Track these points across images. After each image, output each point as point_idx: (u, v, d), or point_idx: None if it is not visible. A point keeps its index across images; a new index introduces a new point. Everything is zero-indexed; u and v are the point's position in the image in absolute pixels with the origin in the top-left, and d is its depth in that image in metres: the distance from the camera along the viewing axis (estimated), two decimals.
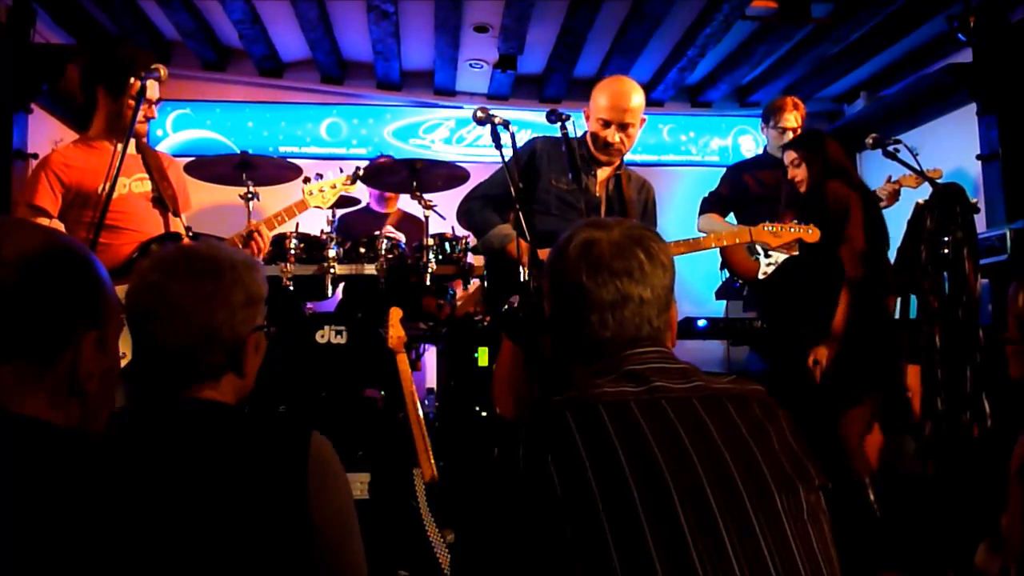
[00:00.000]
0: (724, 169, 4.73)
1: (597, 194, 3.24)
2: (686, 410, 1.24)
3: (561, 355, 1.44)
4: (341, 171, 3.62)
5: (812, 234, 3.34)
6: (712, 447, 1.20)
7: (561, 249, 1.44)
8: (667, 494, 1.13)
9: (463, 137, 6.72)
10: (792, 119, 4.33)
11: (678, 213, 4.93)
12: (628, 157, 3.37)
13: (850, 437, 3.48)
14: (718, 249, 4.50)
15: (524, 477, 1.19)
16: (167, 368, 1.36)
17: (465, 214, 3.45)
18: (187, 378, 1.36)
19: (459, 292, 4.55)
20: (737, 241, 3.47)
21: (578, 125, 3.27)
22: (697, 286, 5.76)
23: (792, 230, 3.34)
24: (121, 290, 1.30)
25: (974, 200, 3.41)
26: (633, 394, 1.24)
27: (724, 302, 5.44)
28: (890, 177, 4.52)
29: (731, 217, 4.50)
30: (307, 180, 3.56)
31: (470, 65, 6.35)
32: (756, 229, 3.35)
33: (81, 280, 1.11)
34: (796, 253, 3.41)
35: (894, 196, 4.48)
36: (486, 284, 3.49)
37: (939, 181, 3.70)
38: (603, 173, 3.27)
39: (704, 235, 3.42)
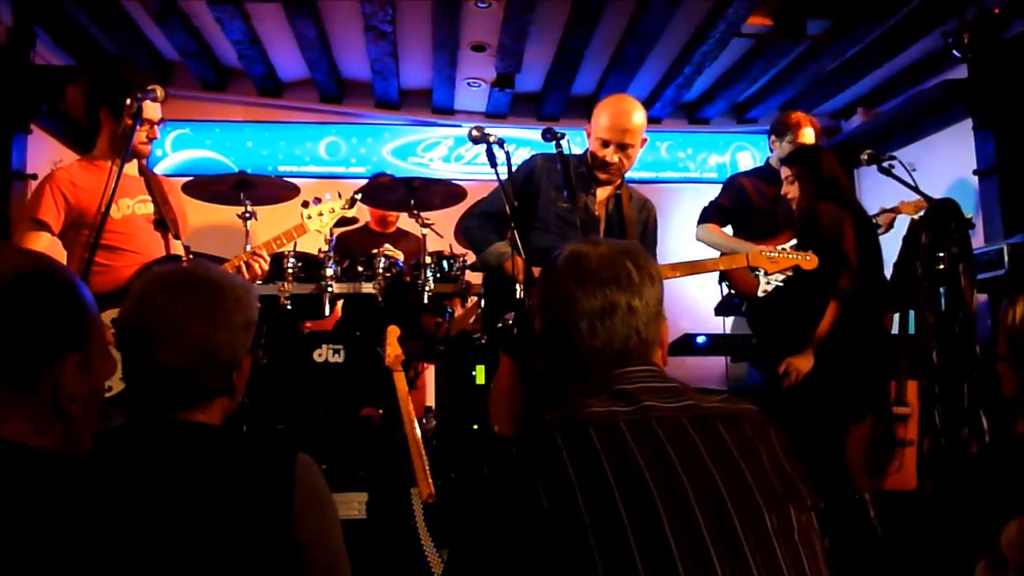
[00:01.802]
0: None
1: (597, 213, 3.22)
2: (676, 430, 1.23)
3: (553, 372, 1.44)
4: (339, 195, 3.62)
5: (810, 261, 3.34)
6: (701, 467, 1.19)
7: (551, 264, 1.46)
8: (655, 515, 1.13)
9: (462, 155, 6.74)
10: (810, 135, 4.29)
11: (677, 230, 4.93)
12: (628, 175, 3.36)
13: (852, 453, 3.47)
14: None
15: (513, 497, 1.18)
16: (165, 390, 1.35)
17: (464, 231, 3.44)
18: (183, 400, 1.36)
19: (457, 310, 4.54)
20: (734, 266, 3.46)
21: (579, 143, 3.27)
22: (697, 303, 5.75)
23: (790, 256, 3.34)
24: None
25: (969, 215, 3.40)
26: (623, 414, 1.24)
27: (729, 319, 5.41)
28: (883, 208, 4.49)
29: (730, 228, 4.47)
30: (306, 204, 3.56)
31: (468, 84, 6.38)
32: (753, 254, 3.34)
33: (63, 302, 1.10)
34: (791, 274, 3.41)
35: (890, 224, 4.45)
36: (483, 302, 3.49)
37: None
38: (603, 192, 3.26)
39: (702, 258, 3.41)
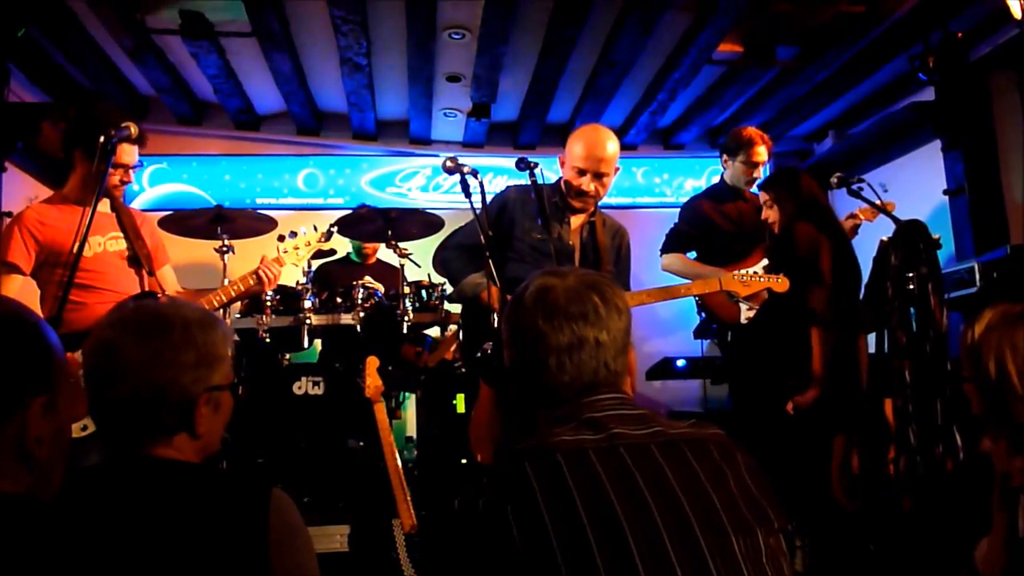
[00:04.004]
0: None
1: (571, 242, 3.25)
2: (644, 457, 1.25)
3: (524, 402, 1.46)
4: (316, 228, 3.63)
5: (780, 284, 3.35)
6: (669, 493, 1.21)
7: (518, 297, 1.47)
8: (624, 542, 1.14)
9: (440, 184, 6.78)
10: (763, 153, 4.28)
11: (654, 255, 4.98)
12: (604, 201, 3.39)
13: (833, 470, 3.47)
14: None
15: (484, 528, 1.19)
16: (116, 425, 1.35)
17: (440, 263, 3.46)
18: (137, 435, 1.34)
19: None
20: (707, 291, 3.46)
21: (553, 171, 3.30)
22: (676, 326, 5.79)
23: (761, 279, 3.35)
24: None
25: (938, 235, 3.45)
26: (591, 442, 1.25)
27: (707, 342, 5.45)
28: (850, 213, 4.50)
29: (693, 253, 4.42)
30: (282, 238, 3.56)
31: (444, 114, 6.43)
32: (726, 278, 3.34)
33: (28, 345, 1.11)
34: (766, 297, 3.43)
35: (853, 232, 4.42)
36: (462, 332, 3.50)
37: (900, 217, 3.71)
38: (577, 220, 3.28)
39: (676, 283, 3.41)
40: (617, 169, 3.23)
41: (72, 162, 3.13)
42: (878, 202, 3.69)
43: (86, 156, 3.05)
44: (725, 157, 4.40)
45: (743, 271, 3.39)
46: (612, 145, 3.18)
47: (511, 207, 3.25)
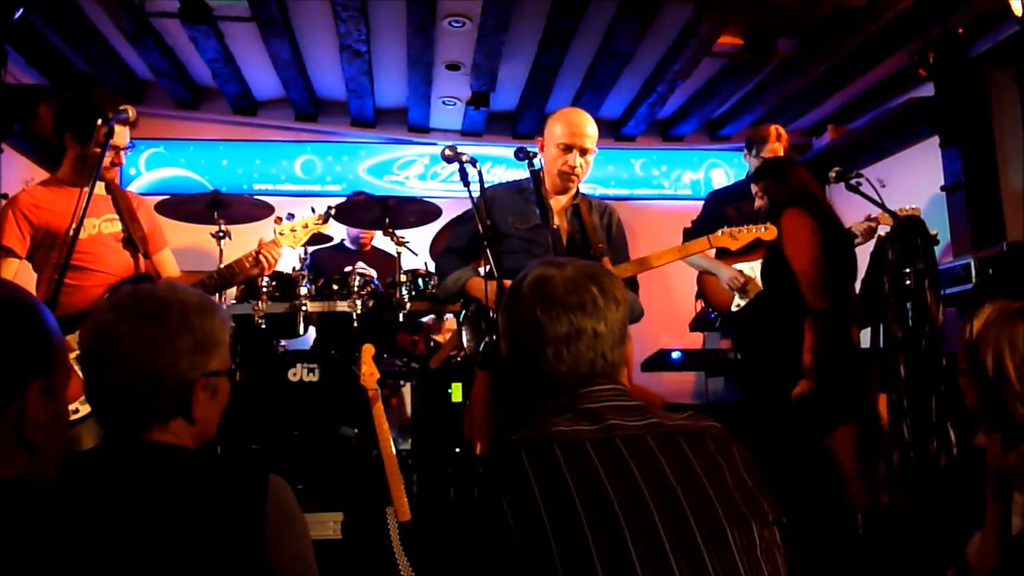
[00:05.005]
0: (698, 201, 4.73)
1: (556, 225, 3.25)
2: (640, 448, 1.25)
3: (520, 393, 1.46)
4: (313, 210, 3.61)
5: (768, 232, 3.33)
6: (665, 485, 1.21)
7: (516, 287, 1.46)
8: (619, 533, 1.14)
9: (437, 173, 6.76)
10: (776, 150, 4.29)
11: (652, 246, 4.96)
12: (602, 191, 3.40)
13: (845, 463, 3.46)
14: (695, 278, 4.52)
15: (480, 518, 1.20)
16: (113, 409, 1.34)
17: (436, 270, 3.51)
18: (133, 420, 1.34)
19: (438, 337, 4.55)
20: (699, 250, 3.44)
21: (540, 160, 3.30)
22: (672, 318, 5.79)
23: (750, 231, 3.34)
24: None
25: (935, 231, 3.44)
26: (588, 433, 1.26)
27: (703, 333, 5.45)
28: (869, 215, 4.49)
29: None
30: (279, 220, 3.55)
31: (443, 102, 6.41)
32: (714, 236, 3.32)
33: (26, 329, 1.10)
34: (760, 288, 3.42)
35: (870, 233, 4.40)
36: (462, 323, 3.50)
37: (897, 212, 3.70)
38: (558, 204, 3.28)
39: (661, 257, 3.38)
40: (594, 152, 3.25)
41: (64, 144, 3.11)
42: (878, 199, 3.66)
43: (75, 138, 3.04)
44: (745, 153, 4.44)
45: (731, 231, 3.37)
46: (592, 126, 3.23)
47: (497, 205, 3.25)
